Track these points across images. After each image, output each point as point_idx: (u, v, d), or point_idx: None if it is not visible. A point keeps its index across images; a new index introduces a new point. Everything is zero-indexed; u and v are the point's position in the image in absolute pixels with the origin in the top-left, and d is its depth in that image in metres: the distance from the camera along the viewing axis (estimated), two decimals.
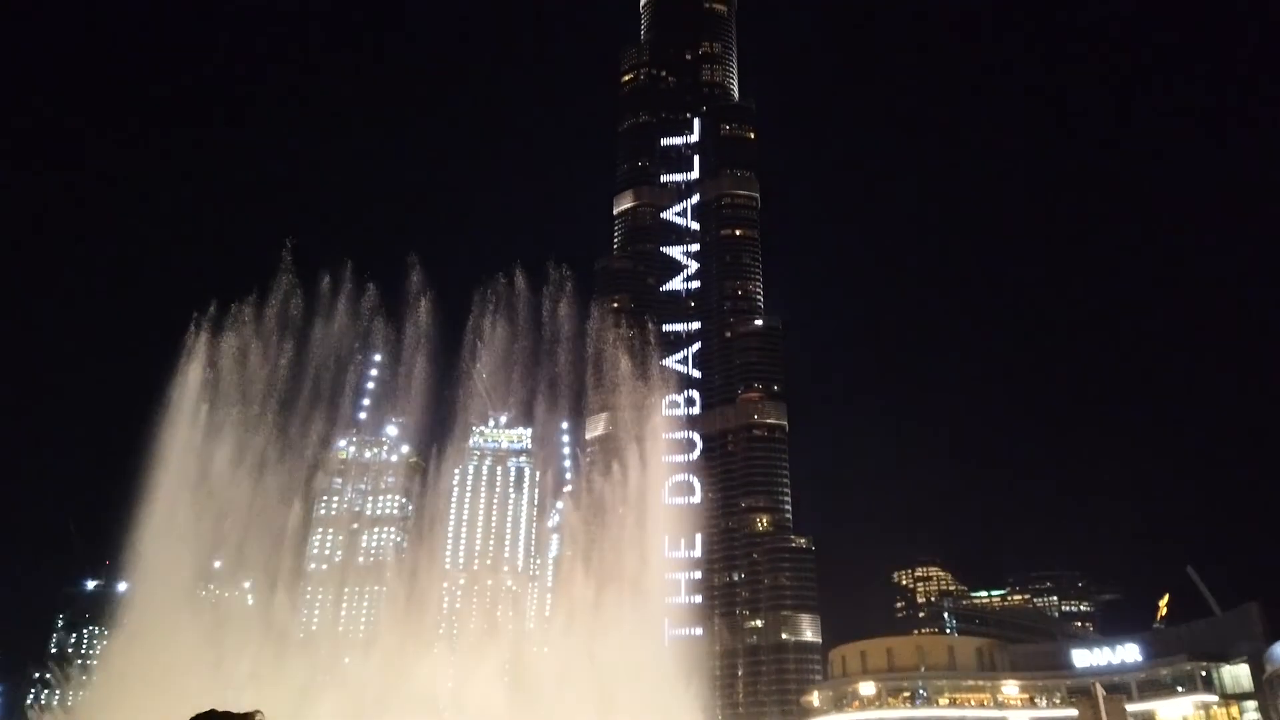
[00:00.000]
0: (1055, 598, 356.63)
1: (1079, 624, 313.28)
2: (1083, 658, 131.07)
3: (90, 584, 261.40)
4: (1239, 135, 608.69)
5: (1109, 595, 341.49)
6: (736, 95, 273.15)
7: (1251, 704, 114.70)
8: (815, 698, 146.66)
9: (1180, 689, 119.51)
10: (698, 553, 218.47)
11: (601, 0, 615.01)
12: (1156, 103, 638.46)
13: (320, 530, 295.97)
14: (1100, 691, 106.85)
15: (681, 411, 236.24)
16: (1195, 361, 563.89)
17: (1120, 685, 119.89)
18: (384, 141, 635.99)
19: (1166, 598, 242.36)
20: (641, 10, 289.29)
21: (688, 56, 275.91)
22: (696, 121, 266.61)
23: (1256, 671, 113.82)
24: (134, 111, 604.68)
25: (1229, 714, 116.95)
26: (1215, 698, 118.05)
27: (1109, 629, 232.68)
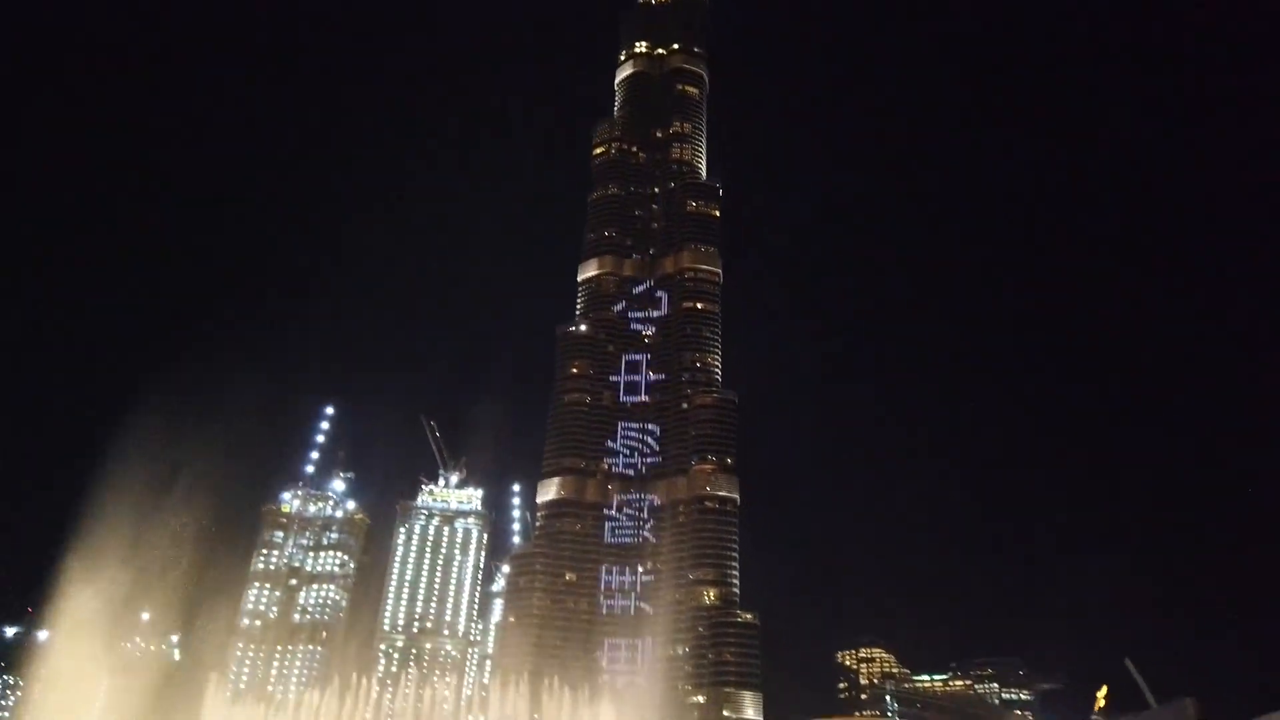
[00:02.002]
0: (996, 685, 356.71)
1: (1019, 712, 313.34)
2: None
3: (10, 631, 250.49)
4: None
5: (1049, 684, 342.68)
6: (704, 174, 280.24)
7: None
8: None
9: None
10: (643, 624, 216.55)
11: (576, 76, 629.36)
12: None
13: (257, 585, 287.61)
14: None
15: (635, 479, 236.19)
16: (1143, 454, 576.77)
17: None
18: (348, 195, 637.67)
19: (1105, 689, 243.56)
20: (616, 88, 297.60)
21: (658, 134, 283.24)
22: (664, 196, 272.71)
23: None
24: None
25: None
26: None
27: (1048, 718, 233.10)
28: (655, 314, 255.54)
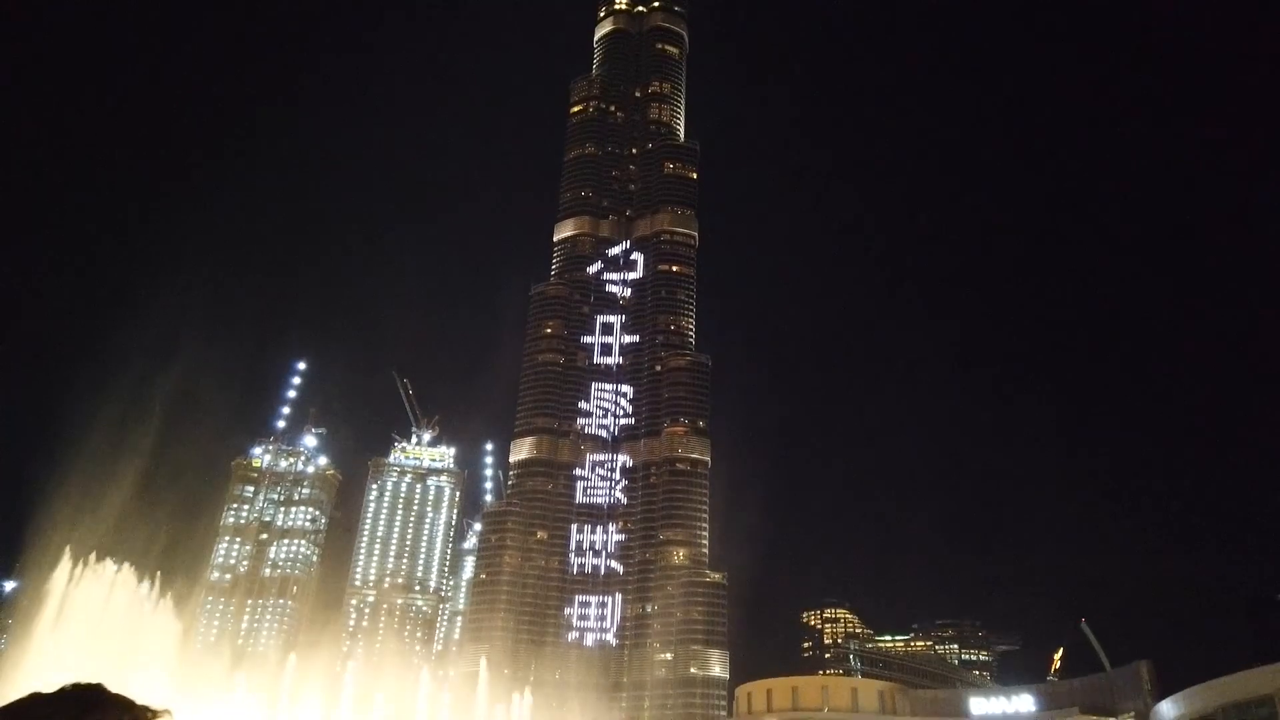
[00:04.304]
0: (956, 645, 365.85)
1: (977, 672, 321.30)
2: (979, 705, 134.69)
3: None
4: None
5: (1007, 645, 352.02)
6: (682, 135, 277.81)
7: None
8: None
9: None
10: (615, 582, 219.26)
11: (556, 32, 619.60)
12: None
13: (227, 539, 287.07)
14: None
15: (607, 440, 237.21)
16: (1100, 420, 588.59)
17: None
18: (321, 145, 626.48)
19: (1061, 651, 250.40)
20: (595, 45, 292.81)
21: (637, 94, 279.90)
22: (641, 158, 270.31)
23: None
24: None
25: None
26: None
27: (1006, 678, 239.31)
28: (630, 276, 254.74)
